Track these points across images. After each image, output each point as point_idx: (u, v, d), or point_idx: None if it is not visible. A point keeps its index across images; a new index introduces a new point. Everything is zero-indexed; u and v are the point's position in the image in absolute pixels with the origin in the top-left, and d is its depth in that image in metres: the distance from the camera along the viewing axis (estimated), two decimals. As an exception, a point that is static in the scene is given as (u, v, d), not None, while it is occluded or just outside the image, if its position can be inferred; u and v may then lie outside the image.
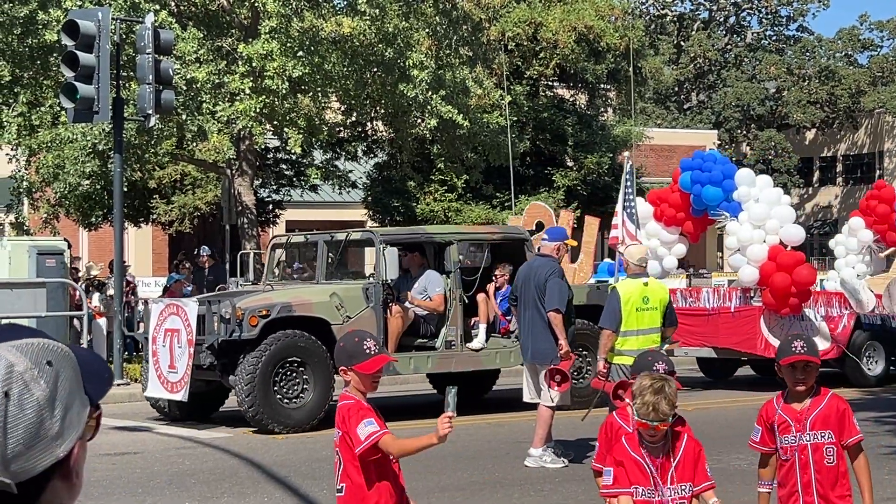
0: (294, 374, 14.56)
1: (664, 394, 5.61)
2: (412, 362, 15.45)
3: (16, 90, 23.30)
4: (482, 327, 15.87)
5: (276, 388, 14.40)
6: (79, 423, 1.77)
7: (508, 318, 16.17)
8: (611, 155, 36.34)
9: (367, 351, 5.47)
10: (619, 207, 18.91)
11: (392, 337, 15.00)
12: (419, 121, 26.39)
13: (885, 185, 22.07)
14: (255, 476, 11.82)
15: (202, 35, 23.11)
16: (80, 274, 25.18)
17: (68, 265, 21.44)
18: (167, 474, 11.95)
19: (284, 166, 32.87)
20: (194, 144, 24.94)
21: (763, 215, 17.96)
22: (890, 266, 20.94)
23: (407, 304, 15.63)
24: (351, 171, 32.37)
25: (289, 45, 22.50)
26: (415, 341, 15.75)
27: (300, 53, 22.54)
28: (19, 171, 25.85)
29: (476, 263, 17.35)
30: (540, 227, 18.60)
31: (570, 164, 36.29)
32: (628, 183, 18.87)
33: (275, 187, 33.31)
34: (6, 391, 1.66)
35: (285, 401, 14.49)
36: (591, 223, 19.59)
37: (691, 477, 5.78)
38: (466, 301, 15.87)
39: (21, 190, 26.16)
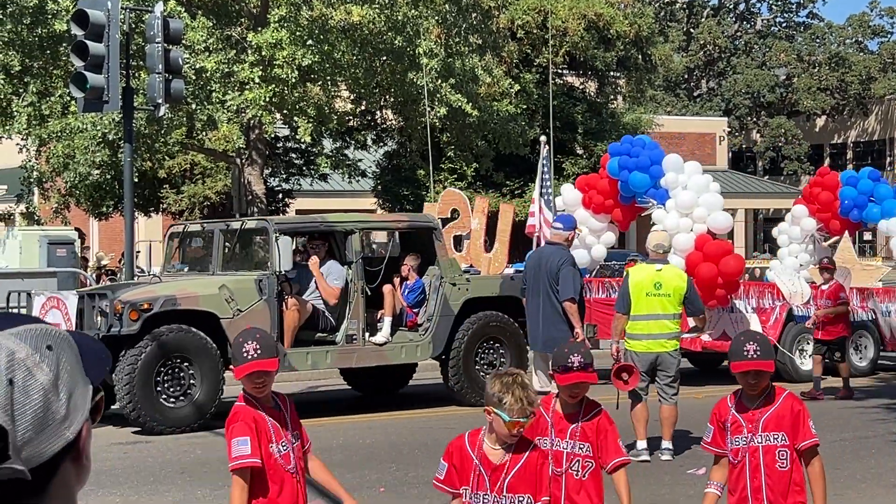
0: (179, 371, 13.76)
1: (528, 385, 5.07)
2: (309, 357, 14.49)
3: (26, 80, 23.34)
4: (387, 320, 15.01)
5: (158, 387, 13.61)
6: (84, 405, 1.77)
7: (416, 310, 15.53)
8: (621, 143, 36.25)
9: (245, 354, 5.25)
10: (535, 194, 18.01)
11: (288, 331, 14.21)
12: (429, 109, 26.40)
13: (829, 171, 21.15)
14: (266, 464, 11.83)
15: (211, 24, 23.12)
16: (90, 263, 25.24)
17: (79, 255, 21.49)
18: (179, 463, 11.97)
19: (294, 155, 32.90)
20: (204, 134, 24.97)
21: (691, 203, 17.05)
22: (833, 255, 19.75)
23: (311, 293, 14.83)
24: (360, 160, 32.39)
25: (298, 33, 22.49)
26: (315, 335, 14.86)
27: (309, 42, 22.54)
28: (30, 160, 25.90)
29: (384, 253, 16.41)
30: (455, 214, 17.59)
31: (580, 151, 36.24)
32: (545, 168, 18.00)
33: (284, 176, 33.34)
34: (10, 379, 1.66)
35: (169, 399, 13.72)
36: (506, 211, 18.29)
37: (532, 489, 5.15)
38: (369, 293, 14.95)
39: (32, 180, 26.21)
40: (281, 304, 14.24)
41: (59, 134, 23.42)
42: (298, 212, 36.09)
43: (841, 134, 65.18)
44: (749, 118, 63.99)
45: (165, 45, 17.66)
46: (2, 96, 22.83)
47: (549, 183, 17.96)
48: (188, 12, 22.69)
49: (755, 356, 5.60)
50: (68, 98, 21.72)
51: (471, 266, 16.70)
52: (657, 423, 12.32)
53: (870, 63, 62.26)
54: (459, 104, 24.63)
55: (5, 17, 22.15)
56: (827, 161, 65.66)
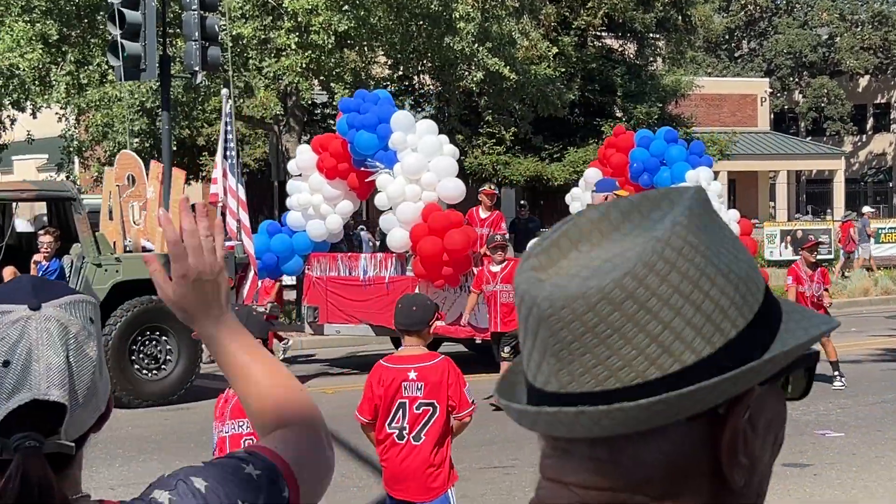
0: None
1: None
2: None
3: (64, 49, 23.40)
4: None
5: None
6: (107, 377, 1.76)
7: None
8: (660, 105, 36.00)
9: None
10: (218, 158, 15.85)
11: None
12: (466, 73, 26.28)
13: (624, 131, 18.95)
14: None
15: (247, -10, 23.08)
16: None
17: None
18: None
19: (332, 121, 32.84)
20: (241, 101, 24.98)
21: (419, 167, 14.99)
22: None
23: None
24: (398, 126, 32.32)
25: (334, -1, 22.43)
26: None
27: (345, 7, 22.46)
28: (69, 130, 26.01)
29: (30, 227, 14.06)
30: (132, 180, 15.14)
31: (619, 114, 36.00)
32: (228, 127, 15.85)
33: (323, 143, 33.32)
34: (67, 356, 1.64)
35: None
36: (178, 176, 15.92)
37: None
38: None
39: (71, 149, 26.34)
40: None
41: (98, 103, 23.48)
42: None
43: (885, 94, 64.40)
44: (791, 79, 63.34)
45: (202, 12, 17.64)
46: (40, 66, 22.90)
47: (232, 144, 15.87)
48: (224, -21, 22.67)
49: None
50: (106, 67, 21.77)
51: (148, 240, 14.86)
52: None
53: (914, 21, 61.45)
54: (497, 68, 24.48)
55: (42, -14, 22.21)
56: (870, 121, 64.97)
